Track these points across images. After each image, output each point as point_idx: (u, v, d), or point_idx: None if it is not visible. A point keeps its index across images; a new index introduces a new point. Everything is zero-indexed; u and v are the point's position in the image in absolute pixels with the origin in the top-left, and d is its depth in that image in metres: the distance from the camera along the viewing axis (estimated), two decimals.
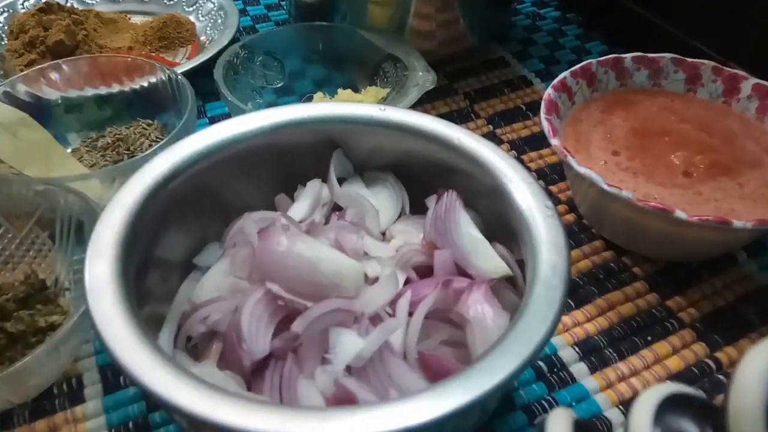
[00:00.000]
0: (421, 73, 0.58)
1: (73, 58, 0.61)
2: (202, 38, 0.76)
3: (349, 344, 0.35)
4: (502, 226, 0.39)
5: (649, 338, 0.44)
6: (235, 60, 0.61)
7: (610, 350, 0.43)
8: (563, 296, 0.32)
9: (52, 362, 0.38)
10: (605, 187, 0.42)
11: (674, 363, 0.42)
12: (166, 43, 0.74)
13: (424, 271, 0.40)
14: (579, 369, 0.42)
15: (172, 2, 0.80)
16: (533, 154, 0.60)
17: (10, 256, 0.46)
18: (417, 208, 0.44)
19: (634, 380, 0.41)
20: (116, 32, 0.74)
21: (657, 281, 0.48)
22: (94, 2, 0.79)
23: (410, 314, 0.37)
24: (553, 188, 0.56)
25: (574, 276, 0.48)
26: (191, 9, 0.79)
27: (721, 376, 0.42)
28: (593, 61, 0.54)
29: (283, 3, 0.83)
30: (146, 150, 0.56)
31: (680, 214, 0.41)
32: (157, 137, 0.58)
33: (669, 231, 0.44)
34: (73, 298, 0.40)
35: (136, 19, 0.78)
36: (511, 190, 0.38)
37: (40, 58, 0.66)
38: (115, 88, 0.60)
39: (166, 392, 0.28)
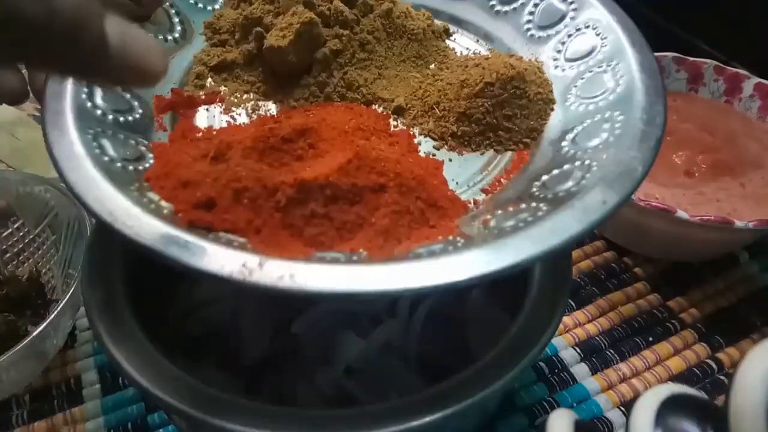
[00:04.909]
0: None
1: None
2: None
3: (349, 345, 0.35)
4: None
5: (651, 339, 0.44)
6: None
7: (612, 351, 0.43)
8: (564, 297, 0.32)
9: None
10: None
11: (676, 364, 0.42)
12: None
13: None
14: (580, 370, 0.42)
15: None
16: None
17: (22, 250, 0.47)
18: None
19: (635, 381, 0.41)
20: None
21: (658, 281, 0.48)
22: None
23: (410, 314, 0.37)
24: None
25: (576, 276, 0.48)
26: None
27: (722, 377, 0.42)
28: None
29: None
30: None
31: (682, 214, 0.40)
32: None
33: (671, 231, 0.44)
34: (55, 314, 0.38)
35: None
36: None
37: None
38: None
39: (165, 393, 0.28)
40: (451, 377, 0.28)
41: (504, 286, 0.38)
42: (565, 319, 0.45)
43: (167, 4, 0.36)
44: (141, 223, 0.24)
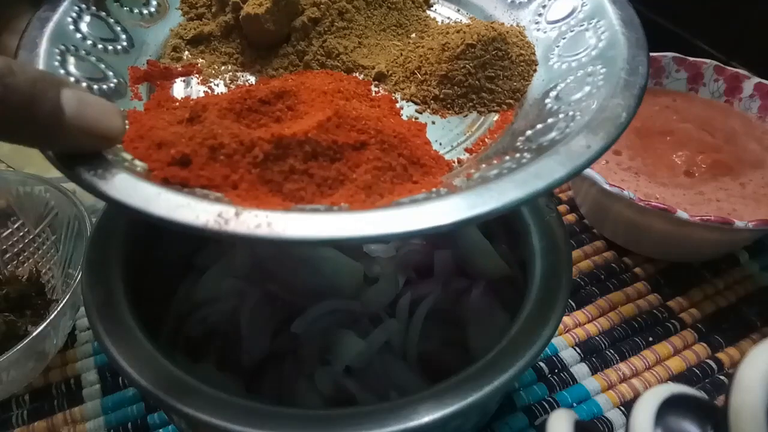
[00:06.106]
0: None
1: None
2: None
3: (348, 345, 0.35)
4: (503, 226, 0.38)
5: (651, 339, 0.44)
6: None
7: (612, 351, 0.43)
8: (564, 297, 0.32)
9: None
10: (607, 186, 0.42)
11: (675, 364, 0.42)
12: None
13: (424, 271, 0.40)
14: (580, 370, 0.42)
15: None
16: None
17: (22, 250, 0.47)
18: None
19: (635, 381, 0.41)
20: None
21: (658, 282, 0.48)
22: None
23: (410, 314, 0.37)
24: None
25: (575, 276, 0.48)
26: None
27: (722, 377, 0.42)
28: None
29: None
30: None
31: (682, 214, 0.40)
32: None
33: (670, 231, 0.44)
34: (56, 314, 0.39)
35: None
36: None
37: None
38: None
39: (164, 393, 0.28)
40: (451, 377, 0.28)
41: (504, 286, 0.38)
42: (565, 319, 0.45)
43: None
44: (113, 178, 0.23)
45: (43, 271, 0.45)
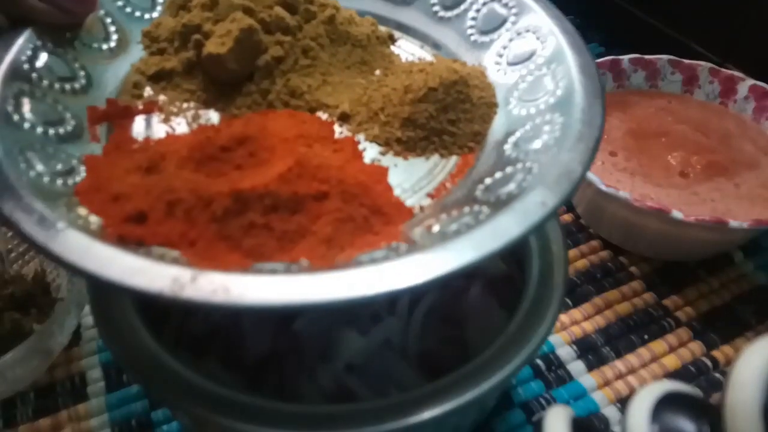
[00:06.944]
0: None
1: None
2: None
3: (349, 342, 0.36)
4: None
5: (646, 336, 0.44)
6: None
7: (608, 348, 0.43)
8: (561, 295, 0.32)
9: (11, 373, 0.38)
10: (603, 187, 0.43)
11: (671, 361, 0.43)
12: None
13: None
14: (577, 367, 0.42)
15: None
16: None
17: (27, 249, 0.47)
18: None
19: (631, 378, 0.42)
20: None
21: (654, 280, 0.48)
22: None
23: (410, 313, 0.37)
24: None
25: (572, 275, 0.48)
26: None
27: (717, 375, 0.42)
28: None
29: None
30: None
31: (677, 214, 0.41)
32: None
33: (666, 231, 0.44)
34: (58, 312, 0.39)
35: None
36: None
37: None
38: None
39: (168, 390, 0.28)
40: (450, 374, 0.29)
41: (502, 284, 0.39)
42: (562, 316, 0.45)
43: (101, 12, 0.35)
44: (67, 239, 0.23)
45: (48, 270, 0.46)
